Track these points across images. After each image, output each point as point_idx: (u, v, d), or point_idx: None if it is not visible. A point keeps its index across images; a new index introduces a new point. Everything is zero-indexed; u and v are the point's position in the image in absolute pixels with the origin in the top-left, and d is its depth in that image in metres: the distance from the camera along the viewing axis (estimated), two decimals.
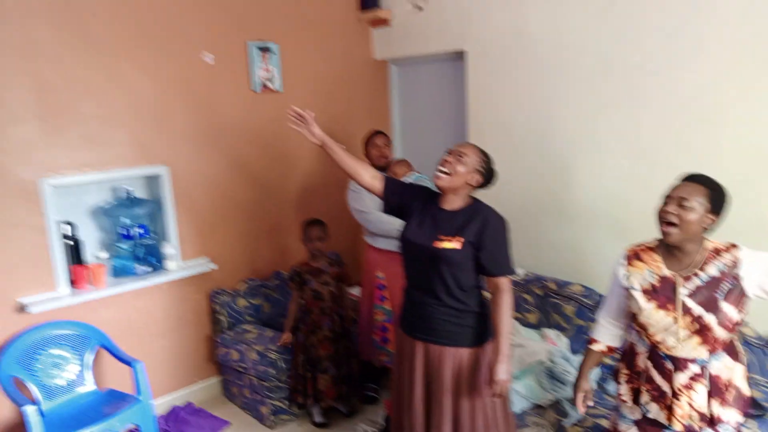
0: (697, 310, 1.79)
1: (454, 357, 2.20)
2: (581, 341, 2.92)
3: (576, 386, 2.12)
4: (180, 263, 3.51)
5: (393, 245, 3.07)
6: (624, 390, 2.00)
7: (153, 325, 3.46)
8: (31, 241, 2.98)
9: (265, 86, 3.74)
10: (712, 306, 1.78)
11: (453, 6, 3.70)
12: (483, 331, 2.23)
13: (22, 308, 2.95)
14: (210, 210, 3.63)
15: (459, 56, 3.80)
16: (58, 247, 3.08)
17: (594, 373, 2.76)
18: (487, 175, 2.24)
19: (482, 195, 2.29)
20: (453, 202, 2.23)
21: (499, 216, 2.22)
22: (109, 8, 3.11)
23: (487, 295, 2.26)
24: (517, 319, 3.27)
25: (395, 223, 2.97)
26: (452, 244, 2.14)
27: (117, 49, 3.16)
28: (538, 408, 2.68)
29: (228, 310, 3.64)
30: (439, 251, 2.15)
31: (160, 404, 3.47)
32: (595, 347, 2.11)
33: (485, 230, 2.15)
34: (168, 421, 3.40)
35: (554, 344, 3.00)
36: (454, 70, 3.95)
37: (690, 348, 1.82)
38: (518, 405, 2.66)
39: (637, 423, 1.98)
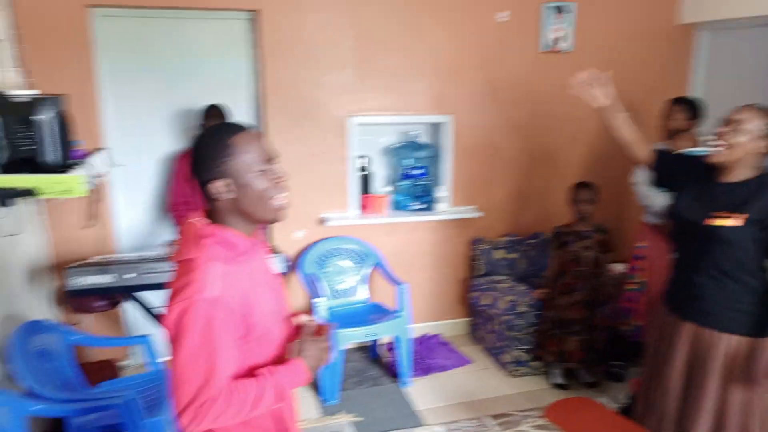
0: None
1: (728, 344, 2.02)
2: None
3: None
4: (449, 207, 3.82)
5: (655, 219, 3.09)
6: None
7: (419, 258, 3.87)
8: (336, 168, 3.59)
9: (553, 46, 3.75)
10: None
11: None
12: (766, 319, 1.98)
13: (322, 221, 3.59)
14: (483, 162, 3.85)
15: None
16: (354, 176, 3.64)
17: None
18: None
19: None
20: (736, 174, 2.01)
21: None
22: None
23: None
24: None
25: (655, 199, 2.98)
26: (730, 221, 1.94)
27: (423, 8, 3.51)
28: None
29: (486, 258, 3.85)
30: (713, 229, 1.97)
31: (414, 328, 3.88)
32: None
33: None
34: (418, 344, 3.80)
35: None
36: None
37: None
38: None
39: None
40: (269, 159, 1.30)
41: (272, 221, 1.33)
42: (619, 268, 3.62)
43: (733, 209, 1.96)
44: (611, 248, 3.33)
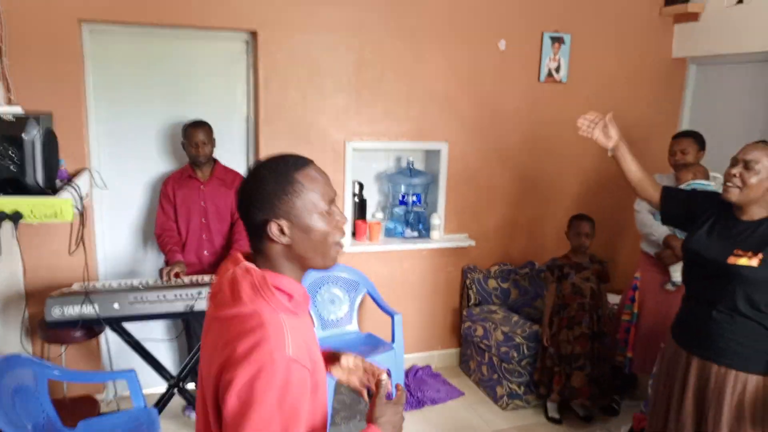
0: None
1: (741, 382, 1.98)
2: None
3: None
4: (443, 235, 3.75)
5: (651, 248, 3.09)
6: None
7: (410, 286, 3.79)
8: None
9: (549, 76, 3.76)
10: None
11: None
12: None
13: None
14: (476, 190, 3.81)
15: None
16: (348, 202, 3.55)
17: None
18: None
19: None
20: (753, 212, 2.00)
21: None
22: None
23: None
24: None
25: (655, 231, 3.01)
26: (754, 260, 1.92)
27: (424, 35, 3.48)
28: None
29: (478, 287, 3.79)
30: (735, 268, 1.95)
31: (404, 359, 3.79)
32: None
33: None
34: (409, 376, 3.70)
35: None
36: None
37: None
38: None
39: None
40: (333, 199, 1.17)
41: (324, 268, 1.19)
42: (614, 299, 3.62)
43: (755, 249, 1.94)
44: (608, 279, 3.32)
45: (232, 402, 1.01)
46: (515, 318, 3.53)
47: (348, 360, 1.42)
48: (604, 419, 3.31)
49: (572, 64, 3.80)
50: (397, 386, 1.28)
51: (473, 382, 3.74)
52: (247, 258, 1.18)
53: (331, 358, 1.45)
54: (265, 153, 3.32)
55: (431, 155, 3.76)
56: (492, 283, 3.83)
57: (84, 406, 2.76)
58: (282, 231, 1.11)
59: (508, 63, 3.68)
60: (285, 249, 1.14)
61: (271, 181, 1.11)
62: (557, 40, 3.71)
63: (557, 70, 3.76)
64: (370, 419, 1.19)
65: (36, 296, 2.90)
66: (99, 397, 3.20)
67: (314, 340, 1.21)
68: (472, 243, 3.78)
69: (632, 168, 2.23)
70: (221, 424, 1.04)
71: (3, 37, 2.77)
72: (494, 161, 3.81)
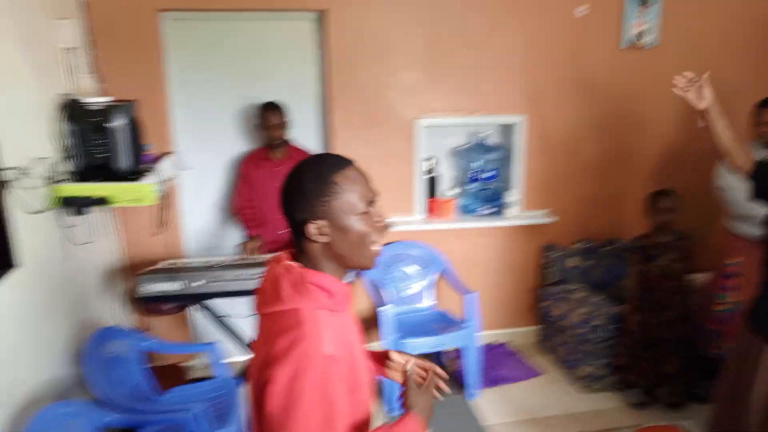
0: None
1: None
2: None
3: None
4: (519, 211, 3.64)
5: (754, 231, 2.75)
6: None
7: (487, 264, 3.72)
8: (402, 170, 3.48)
9: (635, 42, 3.49)
10: None
11: None
12: None
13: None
14: (555, 165, 3.65)
15: None
16: (420, 179, 3.52)
17: None
18: None
19: None
20: None
21: None
22: None
23: None
24: None
25: (757, 209, 2.66)
26: None
27: (497, 3, 3.34)
28: None
29: (557, 265, 3.66)
30: None
31: (480, 336, 3.74)
32: None
33: None
34: (485, 354, 3.66)
35: None
36: None
37: None
38: None
39: None
40: (372, 200, 1.16)
41: (365, 268, 1.19)
42: (701, 278, 3.37)
43: None
44: (693, 256, 3.09)
45: (272, 402, 1.02)
46: (596, 298, 3.39)
47: (400, 357, 1.40)
48: (691, 407, 3.13)
49: (665, 26, 3.50)
50: (424, 369, 1.29)
51: (551, 363, 3.65)
52: (294, 257, 1.19)
53: (380, 357, 1.44)
54: (338, 132, 3.35)
55: (506, 129, 3.64)
56: (572, 261, 3.68)
57: (174, 374, 2.98)
58: (320, 231, 1.12)
59: (587, 30, 3.45)
60: (324, 248, 1.14)
61: (310, 182, 1.11)
62: (643, 2, 3.43)
63: (642, 35, 3.48)
64: (408, 408, 1.23)
65: (130, 272, 3.14)
66: (189, 364, 3.44)
67: (356, 338, 1.22)
68: (551, 220, 3.64)
69: (724, 133, 2.10)
70: (261, 419, 1.07)
71: (92, 30, 2.96)
72: (573, 134, 3.62)
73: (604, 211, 3.78)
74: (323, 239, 1.12)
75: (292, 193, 1.14)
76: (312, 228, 1.11)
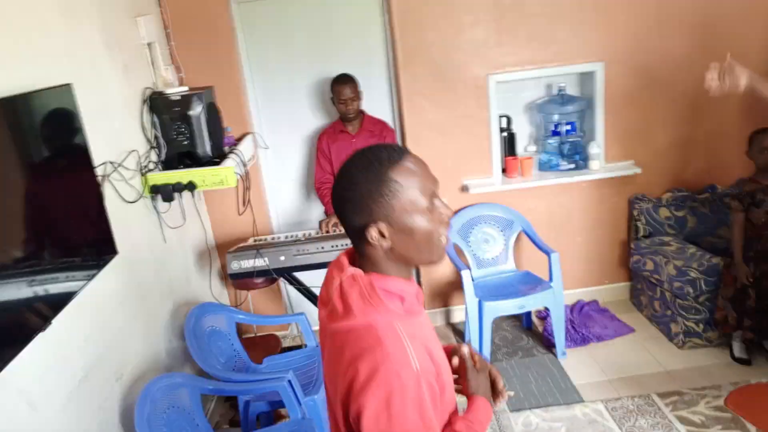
0: None
1: None
2: None
3: None
4: (603, 164, 3.47)
5: None
6: None
7: (570, 221, 3.60)
8: (476, 131, 3.41)
9: None
10: None
11: None
12: None
13: (464, 188, 3.46)
14: (641, 110, 3.42)
15: None
16: (496, 138, 3.44)
17: None
18: None
19: None
20: None
21: None
22: None
23: None
24: None
25: None
26: None
27: None
28: None
29: (647, 218, 3.48)
30: None
31: (567, 295, 3.65)
32: None
33: None
34: (573, 312, 3.58)
35: None
36: None
37: None
38: None
39: None
40: (434, 192, 1.05)
41: (433, 264, 1.10)
42: None
43: None
44: None
45: (371, 430, 0.96)
46: (692, 250, 3.19)
47: (463, 350, 1.28)
48: None
49: None
50: (472, 355, 1.22)
51: (645, 318, 3.51)
52: (351, 257, 1.12)
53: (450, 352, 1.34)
54: (406, 98, 3.32)
55: (585, 78, 3.44)
56: (664, 212, 3.48)
57: (268, 344, 3.16)
58: (382, 234, 1.02)
59: None
60: (388, 251, 1.05)
61: (364, 183, 1.01)
62: None
63: None
64: (470, 393, 1.17)
65: (222, 250, 3.33)
66: (283, 334, 3.64)
67: (434, 338, 1.13)
68: (638, 170, 3.44)
69: None
70: None
71: (168, 22, 3.10)
72: (660, 74, 3.35)
73: (697, 157, 3.52)
74: (386, 243, 1.03)
75: (345, 197, 1.04)
76: (374, 232, 1.02)
